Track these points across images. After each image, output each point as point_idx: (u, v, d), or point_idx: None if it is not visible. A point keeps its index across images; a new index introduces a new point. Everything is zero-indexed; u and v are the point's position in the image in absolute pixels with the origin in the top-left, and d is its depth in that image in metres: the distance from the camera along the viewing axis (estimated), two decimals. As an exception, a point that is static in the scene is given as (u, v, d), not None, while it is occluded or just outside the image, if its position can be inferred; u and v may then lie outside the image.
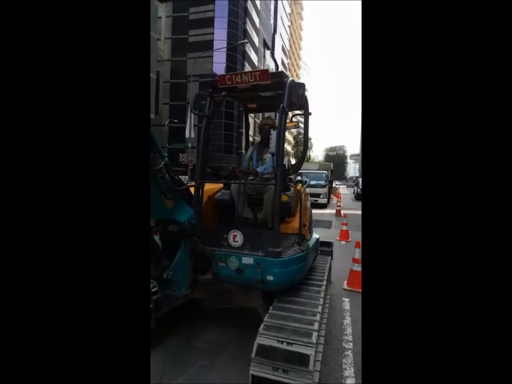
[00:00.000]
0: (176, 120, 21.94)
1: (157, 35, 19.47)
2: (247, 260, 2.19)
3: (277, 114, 2.38)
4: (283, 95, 2.31)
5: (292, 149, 51.97)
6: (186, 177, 15.35)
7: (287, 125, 3.42)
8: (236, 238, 2.28)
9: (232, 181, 2.68)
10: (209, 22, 28.62)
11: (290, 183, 3.12)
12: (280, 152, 2.22)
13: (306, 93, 2.91)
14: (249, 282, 2.23)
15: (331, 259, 3.89)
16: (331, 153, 75.77)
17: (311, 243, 2.80)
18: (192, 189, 2.35)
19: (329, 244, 4.11)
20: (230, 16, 28.86)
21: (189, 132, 15.93)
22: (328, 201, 15.12)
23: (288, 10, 52.40)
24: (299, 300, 2.25)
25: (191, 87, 22.86)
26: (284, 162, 3.02)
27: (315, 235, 3.19)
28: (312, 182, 13.53)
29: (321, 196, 13.35)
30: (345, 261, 4.43)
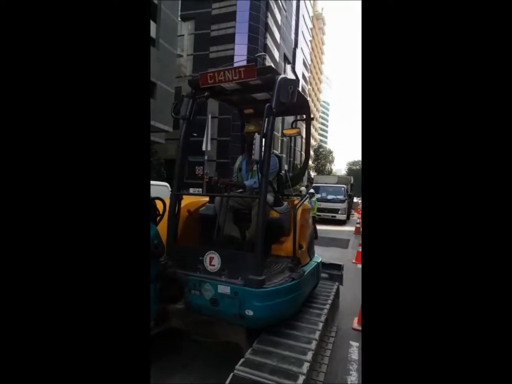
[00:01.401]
0: (195, 134, 22.25)
1: (177, 51, 20.13)
2: (223, 289, 1.81)
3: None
4: (272, 92, 1.97)
5: (313, 162, 51.26)
6: (200, 190, 15.30)
7: (288, 132, 3.08)
8: (212, 261, 1.92)
9: (211, 194, 2.33)
10: (230, 38, 29.32)
11: (288, 197, 2.73)
12: (265, 160, 1.86)
13: (308, 98, 2.59)
14: (225, 316, 1.84)
15: (340, 285, 3.40)
16: (354, 167, 74.02)
17: (309, 268, 2.37)
18: (159, 203, 2.02)
19: (338, 267, 3.62)
20: (251, 32, 29.44)
21: (206, 144, 15.96)
22: (348, 217, 14.40)
23: (310, 25, 52.95)
24: (285, 343, 1.82)
25: (210, 101, 23.46)
26: (281, 173, 2.67)
27: (317, 258, 2.75)
28: (330, 197, 12.98)
29: (339, 212, 12.70)
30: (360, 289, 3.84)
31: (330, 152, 54.61)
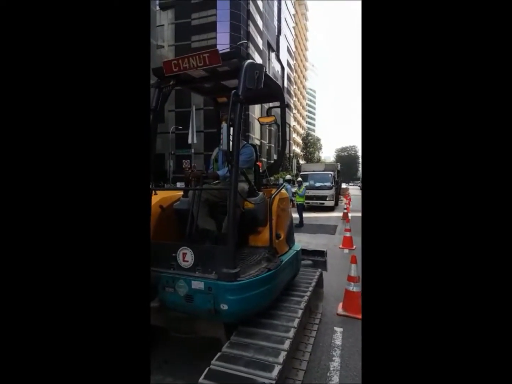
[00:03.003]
0: (181, 127, 21.89)
1: (157, 42, 19.49)
2: (197, 284, 1.76)
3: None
4: (238, 78, 1.89)
5: (301, 151, 51.23)
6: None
7: (263, 120, 3.01)
8: (185, 257, 1.86)
9: (182, 188, 2.26)
10: (212, 27, 28.59)
11: (266, 187, 2.68)
12: (234, 149, 1.80)
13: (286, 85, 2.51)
14: (200, 312, 1.80)
15: (323, 271, 3.39)
16: (342, 153, 74.61)
17: (287, 257, 2.35)
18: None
19: (322, 254, 3.62)
20: (233, 20, 28.75)
21: (192, 137, 15.70)
22: (336, 204, 14.51)
23: (292, 11, 52.06)
24: (263, 333, 1.80)
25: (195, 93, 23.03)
26: (259, 161, 2.61)
27: (296, 247, 2.73)
28: (317, 184, 13.01)
29: (327, 199, 12.77)
30: (346, 275, 3.86)
31: (318, 139, 54.70)
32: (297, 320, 1.98)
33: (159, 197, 2.33)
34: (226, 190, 1.93)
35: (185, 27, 28.77)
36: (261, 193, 2.28)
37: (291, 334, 1.81)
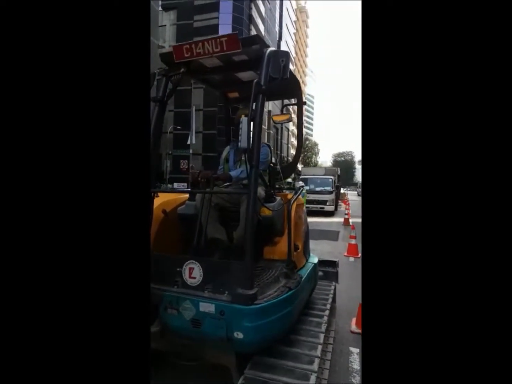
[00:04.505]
0: (179, 127, 21.60)
1: (158, 42, 19.32)
2: (207, 307, 1.48)
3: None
4: (260, 68, 1.63)
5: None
6: (185, 184, 14.80)
7: (278, 119, 2.75)
8: (193, 272, 1.59)
9: (191, 190, 1.99)
10: (214, 30, 28.43)
11: (279, 191, 2.41)
12: (255, 147, 1.53)
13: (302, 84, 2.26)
14: (209, 339, 1.53)
15: (336, 283, 3.13)
16: (339, 158, 74.87)
17: (306, 271, 2.08)
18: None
19: (333, 264, 3.35)
20: (235, 23, 28.66)
21: (191, 137, 15.50)
22: (336, 208, 14.32)
23: (294, 18, 52.28)
24: (283, 366, 1.53)
25: (195, 93, 22.95)
26: (272, 163, 2.35)
27: (313, 258, 2.46)
28: (318, 189, 12.79)
29: (327, 203, 12.57)
30: (355, 285, 3.59)
31: (316, 144, 54.80)
32: (320, 348, 1.71)
33: (161, 200, 2.05)
34: (244, 194, 1.67)
35: (187, 29, 28.60)
36: (278, 198, 2.02)
37: (315, 366, 1.54)
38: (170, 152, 20.89)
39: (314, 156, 51.86)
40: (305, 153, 49.60)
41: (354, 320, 2.97)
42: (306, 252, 2.30)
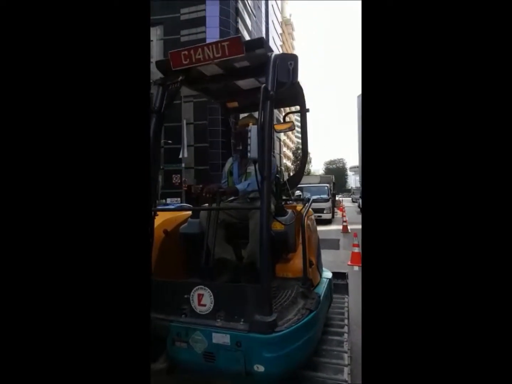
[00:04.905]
0: (170, 141, 21.48)
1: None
2: (221, 338, 1.31)
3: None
4: (266, 73, 1.52)
5: (292, 164, 51.39)
6: (178, 199, 14.54)
7: (280, 127, 2.64)
8: (202, 299, 1.42)
9: (196, 207, 1.84)
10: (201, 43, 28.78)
11: (288, 203, 2.28)
12: (266, 156, 1.40)
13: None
14: (225, 375, 1.35)
15: (347, 296, 2.97)
16: (331, 166, 75.64)
17: (323, 289, 1.92)
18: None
19: (342, 276, 3.21)
20: (222, 37, 29.11)
21: (183, 151, 15.36)
22: (333, 216, 14.23)
23: (280, 31, 53.42)
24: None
25: (186, 107, 23.01)
26: (278, 173, 2.22)
27: (326, 273, 2.31)
28: (314, 197, 12.70)
29: (325, 212, 12.46)
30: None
31: (308, 153, 55.24)
32: (346, 370, 1.55)
33: (161, 219, 1.89)
34: (256, 209, 1.52)
35: (174, 43, 28.86)
36: (290, 211, 1.88)
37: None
38: (162, 167, 20.69)
39: (306, 165, 52.22)
40: (297, 162, 49.88)
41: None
42: (319, 267, 2.15)
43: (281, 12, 56.48)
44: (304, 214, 1.82)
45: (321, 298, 1.71)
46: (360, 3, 0.91)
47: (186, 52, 1.64)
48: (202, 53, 1.60)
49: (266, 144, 1.41)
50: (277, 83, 1.49)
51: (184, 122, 17.90)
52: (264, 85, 1.44)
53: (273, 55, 1.55)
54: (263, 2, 39.93)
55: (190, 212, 2.03)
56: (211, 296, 1.40)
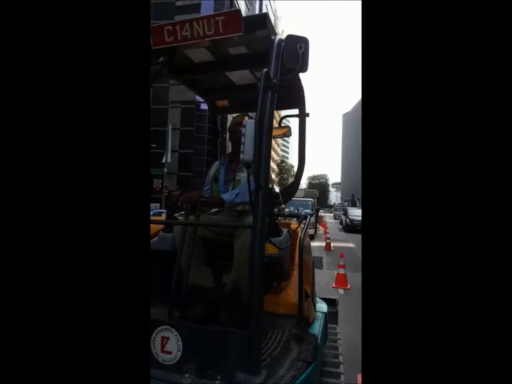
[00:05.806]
0: (154, 145, 20.97)
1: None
2: None
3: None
4: (270, 55, 1.22)
5: (276, 176, 51.49)
6: (158, 205, 13.92)
7: (275, 132, 2.33)
8: (167, 344, 1.05)
9: (168, 221, 1.48)
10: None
11: (279, 219, 1.95)
12: (263, 161, 1.09)
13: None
14: None
15: (335, 326, 2.64)
16: (314, 181, 76.49)
17: (319, 327, 1.59)
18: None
19: (332, 302, 2.88)
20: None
21: (166, 156, 14.91)
22: (315, 232, 14.04)
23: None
24: None
25: (173, 112, 22.61)
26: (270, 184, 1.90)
27: (321, 306, 1.99)
28: (303, 211, 12.48)
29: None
30: (350, 325, 3.13)
31: (292, 166, 55.64)
32: None
33: None
34: (246, 227, 1.19)
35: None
36: (285, 230, 1.56)
37: None
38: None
39: (290, 178, 52.53)
40: (282, 174, 50.00)
41: (359, 377, 2.47)
42: (314, 298, 1.82)
43: (274, 13, 57.44)
44: (301, 234, 1.51)
45: (319, 341, 1.38)
46: (360, 3, 0.89)
47: (170, 28, 1.32)
48: (190, 29, 1.29)
49: (264, 144, 1.09)
50: (283, 69, 1.19)
51: (170, 126, 17.42)
52: (266, 69, 1.14)
53: (277, 38, 1.26)
54: (257, 3, 40.29)
55: (161, 225, 1.66)
56: (178, 341, 1.04)
